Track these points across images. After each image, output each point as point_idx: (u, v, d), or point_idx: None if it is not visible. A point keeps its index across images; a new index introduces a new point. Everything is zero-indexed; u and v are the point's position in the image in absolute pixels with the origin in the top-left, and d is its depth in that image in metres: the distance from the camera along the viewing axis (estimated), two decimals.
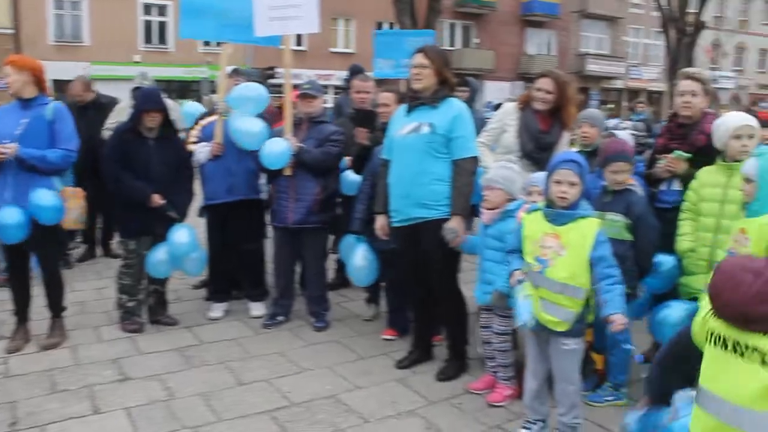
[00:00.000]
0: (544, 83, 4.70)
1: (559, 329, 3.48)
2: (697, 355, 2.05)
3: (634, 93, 37.86)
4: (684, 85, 4.39)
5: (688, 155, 4.27)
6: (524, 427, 3.73)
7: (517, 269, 3.62)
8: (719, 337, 1.90)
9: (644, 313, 4.13)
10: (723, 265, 1.89)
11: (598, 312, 3.85)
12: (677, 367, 2.19)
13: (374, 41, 8.18)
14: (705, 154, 4.12)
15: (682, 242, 4.11)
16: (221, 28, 5.59)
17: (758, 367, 1.78)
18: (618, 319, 3.29)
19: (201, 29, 5.68)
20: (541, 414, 3.73)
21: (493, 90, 32.02)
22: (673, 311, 3.82)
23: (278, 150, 5.10)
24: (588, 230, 3.42)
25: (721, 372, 1.88)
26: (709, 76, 4.52)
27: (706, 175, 4.08)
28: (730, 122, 3.97)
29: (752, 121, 4.00)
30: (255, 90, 5.34)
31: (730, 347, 1.86)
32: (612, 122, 13.51)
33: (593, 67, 38.31)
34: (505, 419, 3.99)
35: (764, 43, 44.80)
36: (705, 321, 1.98)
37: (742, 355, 1.82)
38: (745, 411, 1.80)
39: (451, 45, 35.27)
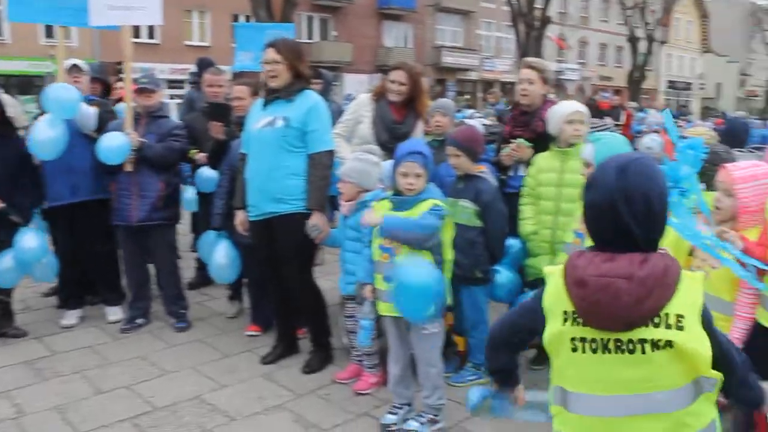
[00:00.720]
0: (398, 75, 4.79)
1: None
2: (522, 339, 2.13)
3: (488, 84, 39.41)
4: (522, 73, 4.64)
5: (530, 143, 4.51)
6: (390, 413, 3.80)
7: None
8: (587, 341, 1.82)
9: (509, 297, 4.27)
10: (588, 280, 1.77)
11: (458, 295, 4.01)
12: (504, 347, 2.18)
13: (235, 34, 8.03)
14: (545, 139, 4.37)
15: (525, 226, 4.35)
16: (55, 10, 5.20)
17: (649, 355, 1.76)
18: None
19: (31, 11, 5.23)
20: (406, 398, 3.82)
21: (352, 82, 32.30)
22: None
23: (116, 144, 4.87)
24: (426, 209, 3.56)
25: (594, 372, 1.83)
26: (548, 66, 4.79)
27: (543, 160, 4.32)
28: (562, 109, 4.24)
29: (582, 108, 4.30)
30: (62, 91, 4.92)
31: (609, 348, 1.79)
32: (468, 112, 14.04)
33: (449, 59, 39.51)
34: (372, 406, 4.04)
35: (603, 38, 47.95)
36: (561, 333, 1.86)
37: (623, 352, 1.78)
38: (637, 396, 1.80)
39: (309, 38, 35.16)
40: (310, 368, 4.50)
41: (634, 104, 18.11)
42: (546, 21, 28.96)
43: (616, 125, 12.88)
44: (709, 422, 1.86)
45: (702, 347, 1.76)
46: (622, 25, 38.71)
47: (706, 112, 36.35)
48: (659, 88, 49.44)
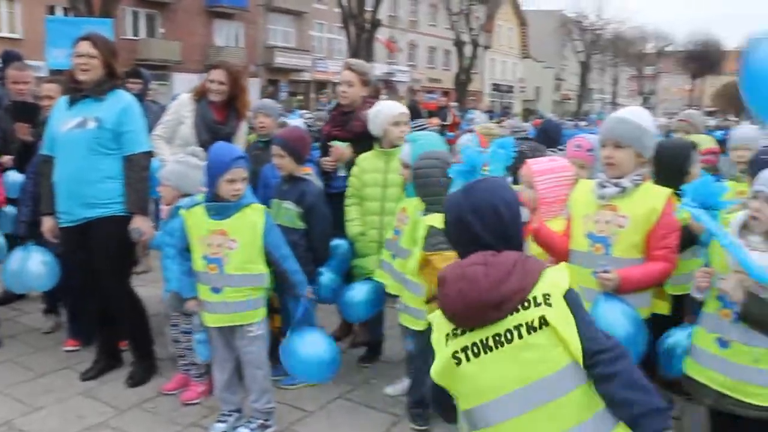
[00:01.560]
0: (217, 75, 4.69)
1: (246, 321, 3.55)
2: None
3: (321, 84, 39.65)
4: (342, 75, 4.71)
5: (347, 143, 4.57)
6: (219, 421, 3.72)
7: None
8: (468, 348, 1.88)
9: (333, 296, 4.29)
10: (447, 275, 1.91)
11: (286, 296, 3.98)
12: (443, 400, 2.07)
13: (46, 29, 7.48)
14: (364, 140, 4.45)
15: (352, 227, 4.41)
16: None
17: (526, 339, 1.82)
18: (309, 292, 3.62)
19: None
20: (234, 404, 3.75)
21: (181, 82, 31.13)
22: (357, 292, 4.10)
23: None
24: (256, 218, 3.52)
25: (486, 378, 1.87)
26: (368, 68, 4.88)
27: (366, 161, 4.41)
28: (388, 110, 4.33)
29: (406, 110, 4.43)
30: None
31: (490, 345, 1.85)
32: (300, 113, 14.04)
33: (281, 59, 39.29)
34: (200, 416, 3.93)
35: (432, 42, 49.84)
36: (447, 359, 1.91)
37: (502, 344, 1.84)
38: (532, 386, 1.83)
39: (135, 35, 33.56)
40: (133, 381, 4.29)
41: (454, 104, 18.97)
42: (376, 24, 29.62)
43: (443, 125, 13.44)
44: (595, 412, 1.86)
45: (569, 328, 1.83)
46: (449, 30, 40.35)
47: (527, 114, 38.77)
48: (484, 91, 52.15)
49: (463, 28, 38.46)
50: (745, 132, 4.19)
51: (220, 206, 3.48)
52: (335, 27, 40.58)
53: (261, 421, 3.69)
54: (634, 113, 3.04)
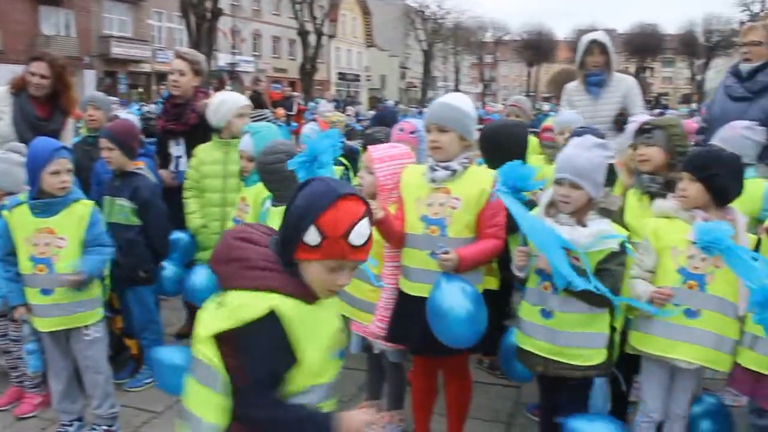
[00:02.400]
0: (38, 67, 4.41)
1: (82, 323, 3.42)
2: None
3: (162, 76, 38.07)
4: (173, 64, 4.58)
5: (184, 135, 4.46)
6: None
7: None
8: None
9: (177, 289, 4.20)
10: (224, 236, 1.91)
11: (124, 297, 3.84)
12: None
13: None
14: (199, 131, 4.36)
15: (193, 220, 4.33)
16: None
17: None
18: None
19: None
20: (74, 413, 3.58)
21: (4, 73, 28.78)
22: (198, 276, 3.99)
23: None
24: (84, 213, 3.38)
25: None
26: (200, 56, 4.77)
27: (204, 152, 4.33)
28: (233, 101, 4.28)
29: (249, 102, 4.40)
30: None
31: None
32: (136, 106, 13.48)
33: (118, 50, 37.29)
34: (39, 428, 3.73)
35: (276, 31, 49.30)
36: None
37: None
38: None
39: None
40: None
41: (298, 94, 19.01)
42: (217, 13, 28.91)
43: (289, 115, 13.41)
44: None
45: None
46: (293, 19, 40.10)
47: (374, 102, 39.39)
48: (331, 80, 52.41)
49: (307, 17, 38.40)
50: (565, 116, 4.45)
51: (45, 203, 3.30)
52: (175, 16, 39.11)
53: (105, 427, 3.55)
54: (455, 98, 3.17)
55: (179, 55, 4.61)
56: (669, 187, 3.11)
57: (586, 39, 4.93)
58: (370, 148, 3.44)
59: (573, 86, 5.03)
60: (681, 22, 47.70)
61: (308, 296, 1.80)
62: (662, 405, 3.04)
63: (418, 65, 61.28)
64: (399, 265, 3.22)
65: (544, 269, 2.79)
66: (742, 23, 47.18)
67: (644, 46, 60.02)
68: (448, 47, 63.65)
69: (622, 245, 2.80)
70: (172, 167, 4.55)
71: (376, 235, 3.19)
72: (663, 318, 2.84)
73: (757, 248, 2.86)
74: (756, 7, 44.60)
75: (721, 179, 2.84)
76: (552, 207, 2.91)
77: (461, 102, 3.13)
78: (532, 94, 56.96)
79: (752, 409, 3.00)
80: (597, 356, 2.89)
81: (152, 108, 10.25)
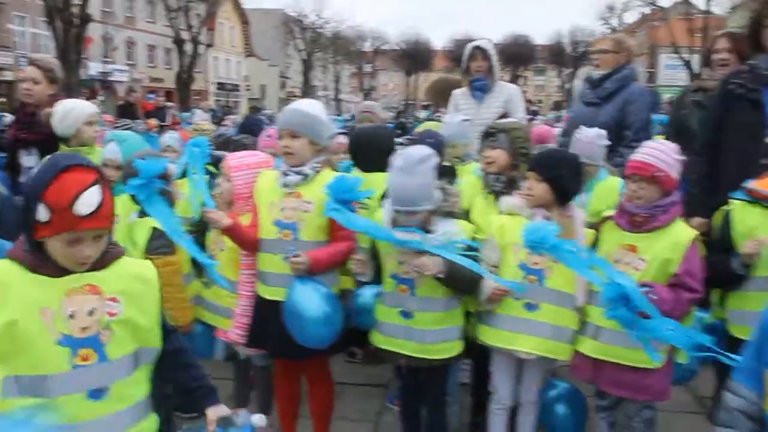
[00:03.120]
0: None
1: None
2: None
3: None
4: (26, 71, 4.41)
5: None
6: None
7: None
8: None
9: None
10: None
11: None
12: None
13: None
14: (53, 140, 4.20)
15: None
16: None
17: None
18: None
19: None
20: None
21: None
22: None
23: None
24: None
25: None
26: (55, 63, 4.61)
27: None
28: (81, 109, 4.15)
29: (97, 109, 4.29)
30: None
31: None
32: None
33: None
34: None
35: (151, 39, 47.77)
36: None
37: None
38: None
39: None
40: None
41: (172, 104, 18.58)
42: (86, 19, 27.64)
43: (162, 126, 13.05)
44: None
45: None
46: (168, 27, 39.00)
47: (253, 111, 38.89)
48: (209, 90, 51.33)
49: (183, 25, 37.46)
50: (451, 129, 4.37)
51: None
52: (39, 21, 37.14)
53: None
54: (306, 104, 3.25)
55: (32, 63, 4.43)
56: (511, 185, 3.32)
57: (470, 46, 5.19)
58: (228, 156, 3.47)
59: (460, 91, 5.27)
60: (550, 34, 50.28)
61: (45, 269, 1.83)
62: (512, 393, 3.24)
63: (299, 75, 61.17)
64: (256, 272, 3.26)
65: (428, 267, 2.89)
66: (604, 35, 50.49)
67: (517, 55, 62.63)
68: (328, 56, 63.92)
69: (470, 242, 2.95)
70: (23, 178, 4.34)
71: (231, 242, 3.23)
72: (505, 311, 3.04)
73: (596, 243, 3.09)
74: (614, 21, 47.61)
75: (563, 179, 3.05)
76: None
77: (312, 107, 3.21)
78: (411, 102, 58.13)
79: (596, 392, 3.24)
80: (455, 348, 3.11)
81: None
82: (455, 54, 49.92)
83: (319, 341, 3.00)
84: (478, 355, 3.42)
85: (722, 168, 3.50)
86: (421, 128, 5.15)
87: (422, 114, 22.56)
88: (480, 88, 5.05)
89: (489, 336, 3.12)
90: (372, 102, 7.43)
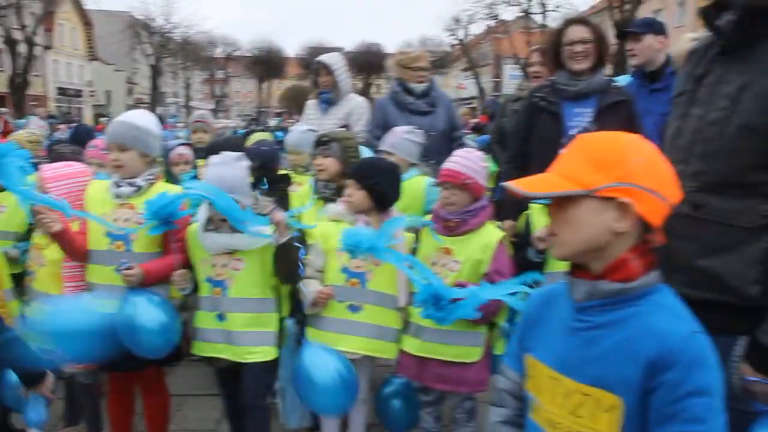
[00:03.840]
0: None
1: None
2: None
3: None
4: None
5: None
6: None
7: None
8: None
9: None
10: None
11: None
12: None
13: None
14: None
15: None
16: None
17: None
18: None
19: None
20: None
21: None
22: None
23: None
24: None
25: None
26: None
27: None
28: None
29: None
30: None
31: None
32: None
33: None
34: None
35: None
36: None
37: None
38: None
39: None
40: None
41: (5, 110, 17.46)
42: None
43: None
44: None
45: None
46: None
47: (98, 119, 37.10)
48: (48, 95, 48.26)
49: (16, 24, 34.93)
50: (294, 137, 4.47)
51: None
52: None
53: None
54: (134, 116, 3.24)
55: None
56: (340, 193, 3.46)
57: (315, 60, 5.27)
58: (43, 167, 3.37)
59: (311, 102, 5.36)
60: (401, 43, 51.51)
61: None
62: None
63: (147, 80, 58.88)
64: (81, 285, 3.19)
65: (211, 276, 2.98)
66: (452, 45, 52.38)
67: (369, 64, 63.68)
68: (178, 62, 61.99)
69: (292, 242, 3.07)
70: None
71: (53, 255, 3.15)
72: (330, 314, 3.18)
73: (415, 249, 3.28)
74: (461, 33, 49.51)
75: (381, 186, 3.21)
76: (211, 222, 3.10)
77: (141, 119, 3.21)
78: (264, 109, 57.63)
79: (422, 388, 3.39)
80: (270, 353, 3.18)
81: None
82: (308, 61, 50.09)
83: (157, 351, 3.00)
84: None
85: (529, 175, 3.82)
86: (252, 140, 5.18)
87: (273, 122, 22.51)
88: (326, 101, 5.18)
89: (317, 338, 3.22)
90: (204, 111, 7.37)
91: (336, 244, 3.14)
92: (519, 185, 1.51)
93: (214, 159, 3.07)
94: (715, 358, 1.40)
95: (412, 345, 3.19)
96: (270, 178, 3.74)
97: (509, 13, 44.32)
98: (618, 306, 1.44)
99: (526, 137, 3.87)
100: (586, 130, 3.57)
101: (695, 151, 2.00)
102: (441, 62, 55.92)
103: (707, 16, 2.08)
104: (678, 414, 1.34)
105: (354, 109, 5.21)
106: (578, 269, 1.51)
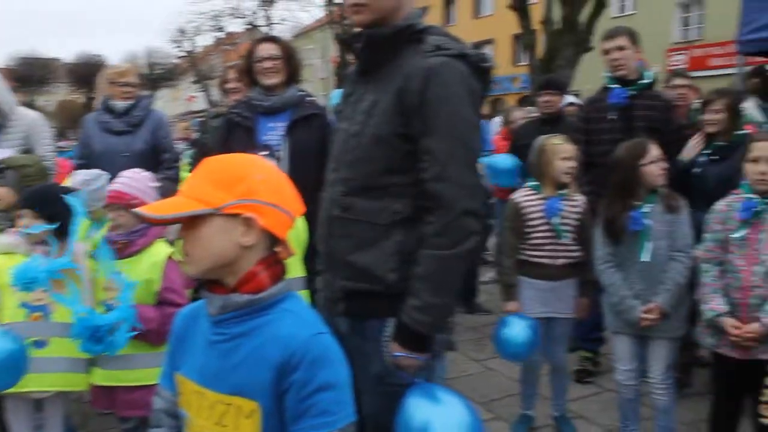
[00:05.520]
0: None
1: None
2: None
3: None
4: None
5: None
6: None
7: None
8: None
9: None
10: None
11: None
12: None
13: None
14: None
15: None
16: None
17: None
18: None
19: None
20: None
21: None
22: None
23: None
24: None
25: None
26: None
27: None
28: None
29: None
30: None
31: None
32: None
33: None
34: None
35: None
36: None
37: None
38: None
39: None
40: None
41: None
42: None
43: None
44: None
45: None
46: None
47: None
48: None
49: None
50: None
51: None
52: None
53: None
54: None
55: None
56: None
57: None
58: None
59: None
60: (126, 54, 48.48)
61: None
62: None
63: None
64: None
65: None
66: (179, 57, 50.84)
67: (91, 75, 59.46)
68: None
69: None
70: None
71: None
72: None
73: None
74: (187, 45, 48.29)
75: (59, 214, 2.93)
76: None
77: None
78: None
79: (119, 419, 3.24)
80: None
81: None
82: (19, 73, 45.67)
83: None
84: None
85: None
86: None
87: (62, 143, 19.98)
88: None
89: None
90: None
91: (9, 280, 2.86)
92: (148, 210, 1.53)
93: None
94: (340, 355, 1.54)
95: (97, 376, 3.08)
96: None
97: (235, 26, 44.27)
98: (250, 316, 1.52)
99: (223, 153, 3.93)
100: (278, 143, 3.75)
101: (344, 159, 2.22)
102: (169, 74, 54.11)
103: (349, 42, 2.35)
104: (308, 410, 1.45)
105: (31, 128, 4.53)
106: (214, 284, 1.56)
